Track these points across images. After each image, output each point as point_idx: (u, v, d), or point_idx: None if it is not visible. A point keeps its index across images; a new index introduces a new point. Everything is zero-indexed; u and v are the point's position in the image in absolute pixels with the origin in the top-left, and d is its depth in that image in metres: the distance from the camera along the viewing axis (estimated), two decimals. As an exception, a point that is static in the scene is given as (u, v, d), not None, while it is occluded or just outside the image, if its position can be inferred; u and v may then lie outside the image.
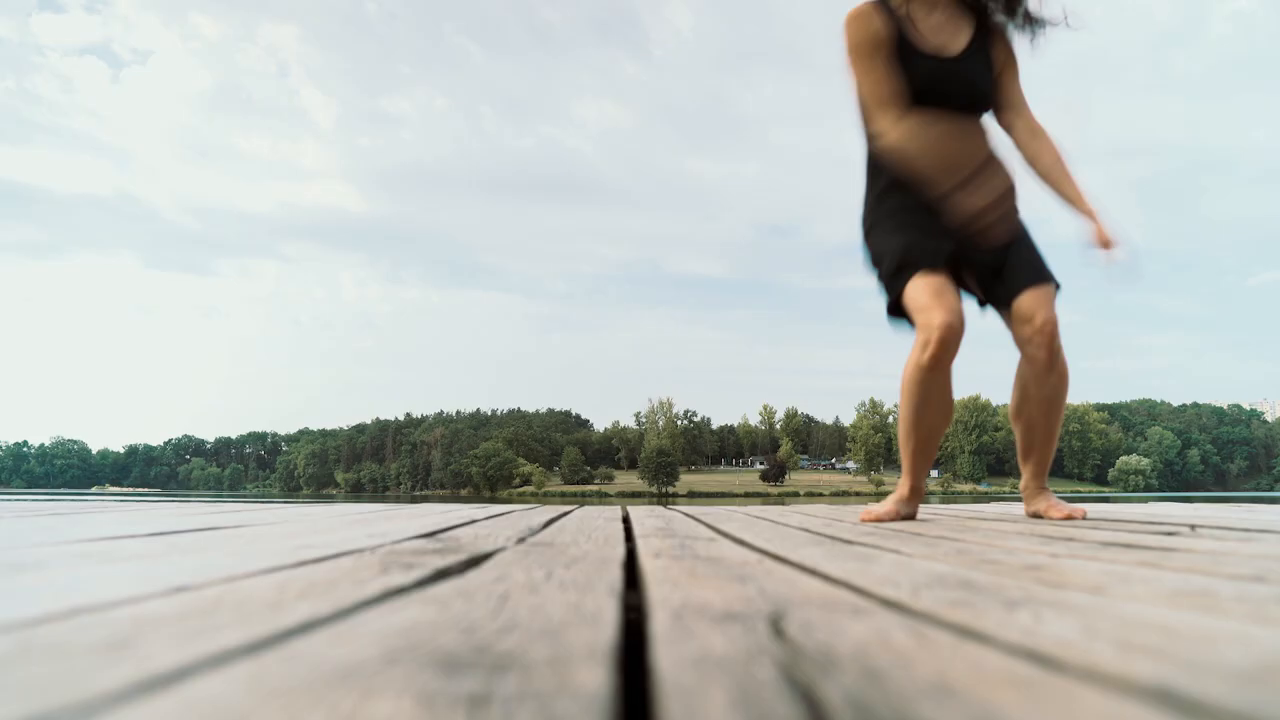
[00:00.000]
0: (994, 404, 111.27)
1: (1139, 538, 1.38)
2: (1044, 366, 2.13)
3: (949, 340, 2.02)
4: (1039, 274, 2.16)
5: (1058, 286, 2.18)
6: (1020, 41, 2.25)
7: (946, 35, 2.16)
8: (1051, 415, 2.22)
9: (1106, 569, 0.88)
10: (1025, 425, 2.25)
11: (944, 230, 2.11)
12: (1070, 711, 0.34)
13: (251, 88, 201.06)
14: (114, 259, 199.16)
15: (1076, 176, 2.19)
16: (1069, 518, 2.05)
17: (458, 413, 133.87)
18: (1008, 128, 2.25)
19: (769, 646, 0.46)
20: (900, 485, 2.26)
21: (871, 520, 2.07)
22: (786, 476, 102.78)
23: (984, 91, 2.19)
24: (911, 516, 2.21)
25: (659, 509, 2.93)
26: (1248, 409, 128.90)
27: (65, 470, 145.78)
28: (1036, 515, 2.16)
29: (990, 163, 2.14)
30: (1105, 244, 2.12)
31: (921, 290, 2.07)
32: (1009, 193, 2.13)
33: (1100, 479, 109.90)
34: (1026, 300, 2.12)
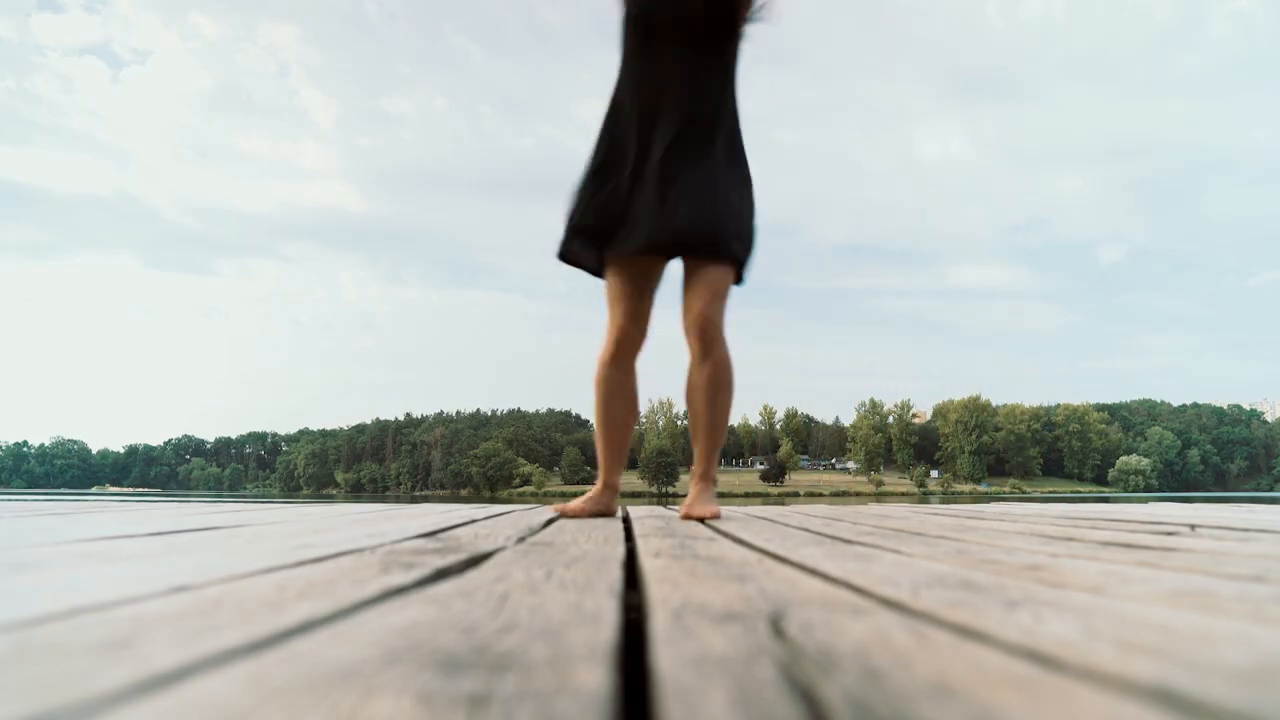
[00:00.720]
0: (994, 404, 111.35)
1: (1139, 538, 1.38)
2: (697, 356, 2.19)
3: (624, 342, 2.21)
4: (712, 251, 2.12)
5: (738, 262, 2.17)
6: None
7: None
8: (710, 405, 2.24)
9: (1106, 569, 0.88)
10: (692, 414, 2.30)
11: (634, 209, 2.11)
12: (1070, 711, 0.34)
13: (251, 88, 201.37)
14: (114, 259, 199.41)
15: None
16: (708, 516, 2.04)
17: (458, 413, 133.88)
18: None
19: (769, 646, 0.46)
20: (597, 481, 2.31)
21: (568, 515, 2.10)
22: (786, 476, 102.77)
23: (712, 18, 2.16)
24: (608, 513, 2.21)
25: (659, 509, 2.93)
26: (1248, 409, 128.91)
27: (65, 470, 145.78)
28: (687, 517, 2.05)
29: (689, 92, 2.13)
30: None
31: (611, 285, 2.20)
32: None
33: (1100, 479, 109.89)
34: (698, 282, 2.13)
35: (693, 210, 2.09)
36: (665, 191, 2.10)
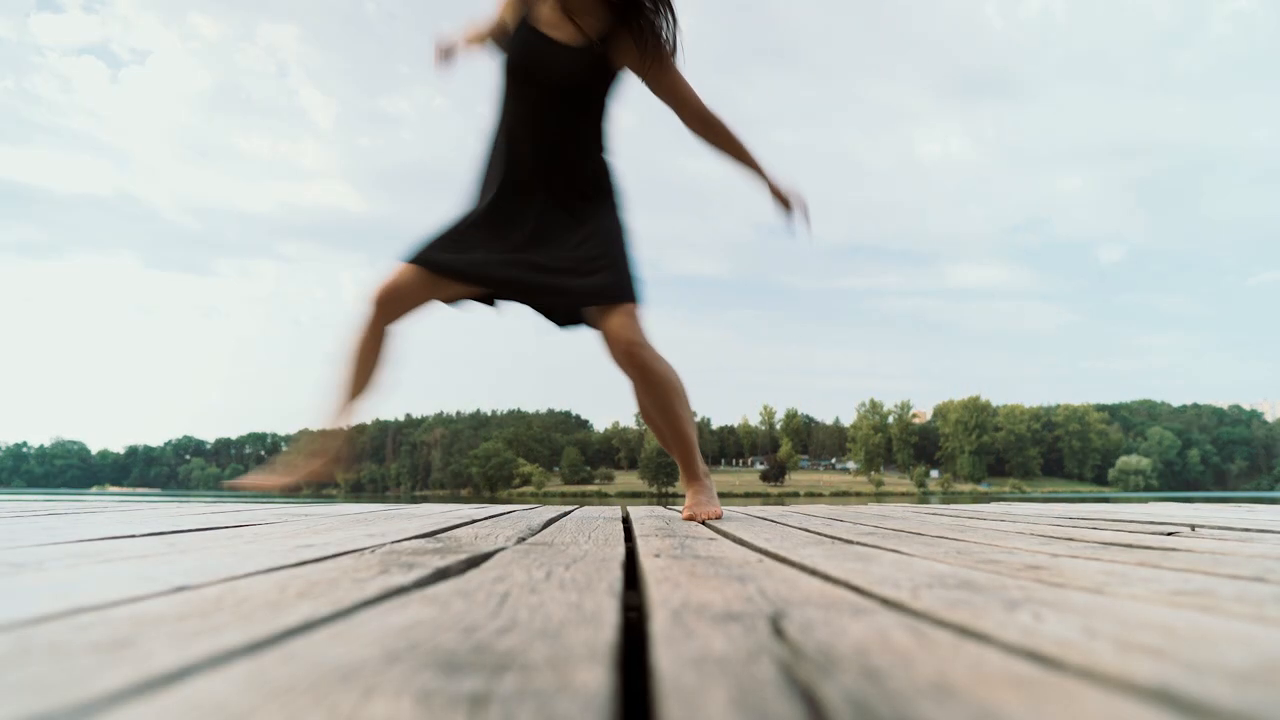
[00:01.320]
0: (994, 404, 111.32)
1: (1139, 538, 1.38)
2: (639, 384, 2.23)
3: (378, 300, 2.21)
4: (619, 294, 2.18)
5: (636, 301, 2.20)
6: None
7: (565, 30, 2.19)
8: (668, 419, 2.29)
9: (1106, 569, 0.88)
10: (654, 429, 2.36)
11: (483, 248, 2.17)
12: (1070, 711, 0.34)
13: (251, 88, 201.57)
14: (114, 259, 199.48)
15: (749, 146, 2.31)
16: (709, 517, 2.08)
17: (458, 413, 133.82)
18: (684, 122, 2.32)
19: (769, 646, 0.46)
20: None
21: (245, 487, 2.27)
22: (786, 476, 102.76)
23: (578, 80, 2.19)
24: (335, 467, 2.35)
25: (659, 509, 2.93)
26: (1248, 409, 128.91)
27: (65, 470, 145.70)
28: (690, 518, 2.09)
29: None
30: (780, 198, 2.27)
31: (397, 272, 2.21)
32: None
33: (1100, 479, 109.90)
34: (611, 323, 2.17)
35: (581, 272, 2.17)
36: (549, 250, 2.18)
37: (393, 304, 2.22)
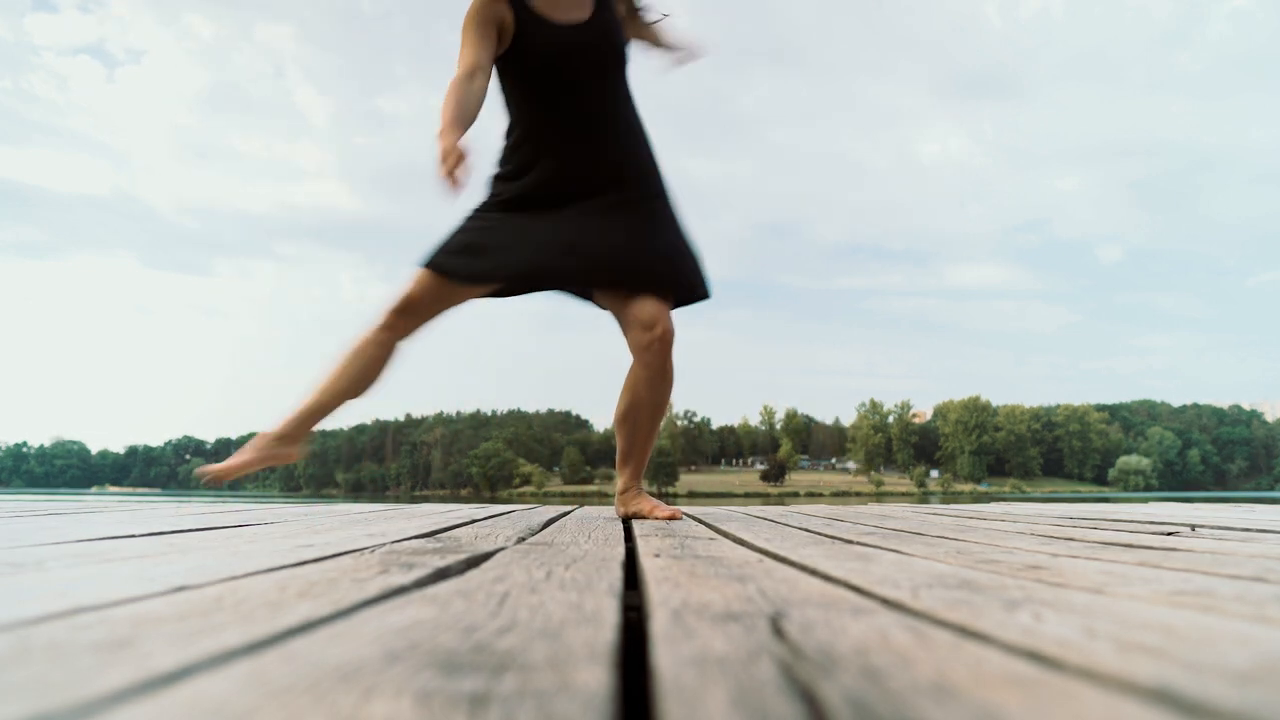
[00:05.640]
0: (994, 404, 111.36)
1: (1139, 538, 1.38)
2: (656, 376, 2.18)
3: (397, 312, 2.12)
4: (664, 279, 2.14)
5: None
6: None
7: (571, 7, 2.15)
8: (656, 420, 2.28)
9: (1106, 569, 0.88)
10: (631, 429, 2.26)
11: (517, 248, 2.10)
12: (1070, 711, 0.34)
13: (248, 87, 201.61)
14: (113, 259, 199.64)
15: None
16: (672, 518, 2.04)
17: (458, 413, 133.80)
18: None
19: (769, 646, 0.46)
20: (279, 427, 2.16)
21: (214, 473, 2.06)
22: (786, 476, 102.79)
23: (618, 44, 2.18)
24: (287, 459, 2.12)
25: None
26: (1248, 409, 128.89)
27: (65, 470, 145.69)
28: (639, 515, 2.10)
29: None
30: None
31: (415, 281, 2.13)
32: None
33: (1100, 479, 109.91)
34: (649, 307, 2.12)
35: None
36: (591, 226, 2.14)
37: (411, 317, 2.14)
